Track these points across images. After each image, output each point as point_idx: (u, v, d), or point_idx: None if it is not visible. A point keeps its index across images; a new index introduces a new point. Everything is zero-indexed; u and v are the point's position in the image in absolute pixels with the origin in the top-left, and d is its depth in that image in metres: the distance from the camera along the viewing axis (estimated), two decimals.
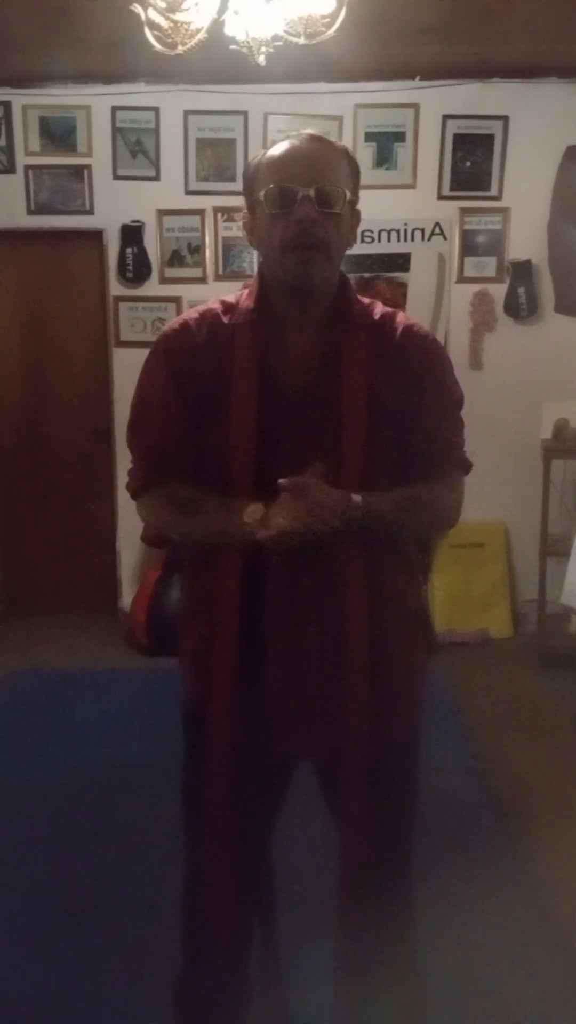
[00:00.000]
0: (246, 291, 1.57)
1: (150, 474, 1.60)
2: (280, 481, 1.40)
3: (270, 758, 1.60)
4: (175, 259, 4.58)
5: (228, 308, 1.56)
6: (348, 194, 1.47)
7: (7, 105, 4.45)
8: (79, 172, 4.50)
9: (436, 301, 4.59)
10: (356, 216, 1.54)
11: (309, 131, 1.52)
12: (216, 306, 1.57)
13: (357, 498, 1.44)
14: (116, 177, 4.51)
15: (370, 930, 1.68)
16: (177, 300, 4.57)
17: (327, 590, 1.51)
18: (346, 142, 4.37)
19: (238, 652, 1.52)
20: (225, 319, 1.54)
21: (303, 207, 1.42)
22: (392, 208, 4.49)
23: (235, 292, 1.61)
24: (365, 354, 1.52)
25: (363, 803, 1.57)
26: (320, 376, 1.50)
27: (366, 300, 1.60)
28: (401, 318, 1.59)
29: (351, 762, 1.55)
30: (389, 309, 1.60)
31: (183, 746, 1.66)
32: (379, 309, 1.59)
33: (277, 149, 1.48)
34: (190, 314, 1.59)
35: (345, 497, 1.43)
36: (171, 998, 1.74)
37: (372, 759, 1.54)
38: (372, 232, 4.51)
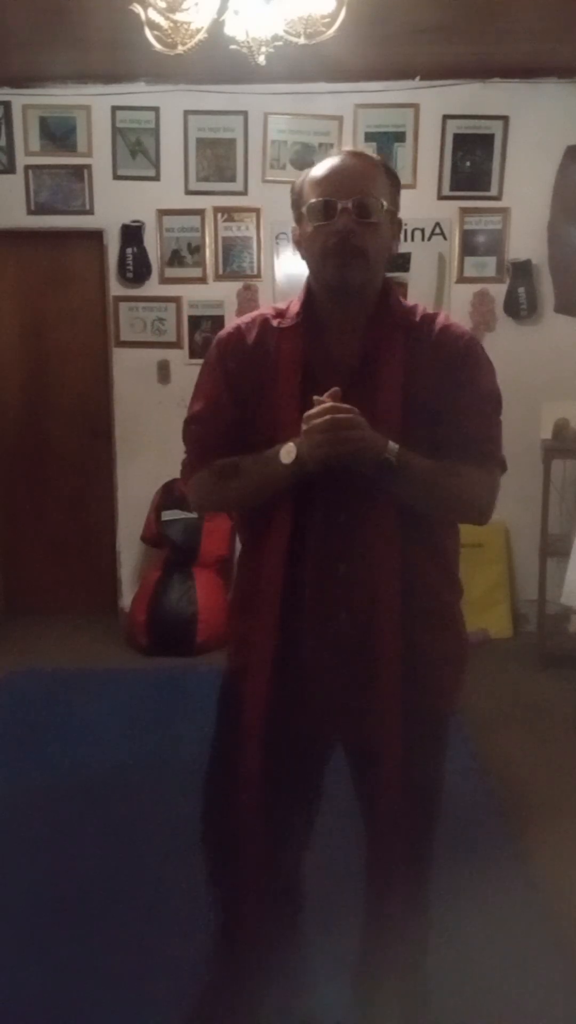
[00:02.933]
0: (295, 299, 1.70)
1: (199, 459, 1.72)
2: (315, 397, 1.50)
3: (306, 737, 1.69)
4: (175, 259, 4.58)
5: (278, 313, 1.70)
6: (385, 204, 1.59)
7: (7, 105, 4.45)
8: (79, 172, 4.51)
9: (436, 301, 4.58)
10: (397, 224, 1.67)
11: (349, 148, 1.68)
12: (268, 311, 1.72)
13: (393, 444, 1.52)
14: (116, 177, 4.51)
15: (395, 918, 1.76)
16: (177, 300, 4.57)
17: (364, 579, 1.59)
18: (346, 142, 4.41)
19: (279, 632, 1.61)
20: (275, 323, 1.67)
21: (342, 218, 1.54)
22: None
23: (288, 300, 1.73)
24: (402, 353, 1.61)
25: (393, 789, 1.63)
26: (360, 374, 1.59)
27: (410, 304, 1.71)
28: (442, 318, 1.68)
29: (381, 745, 1.61)
30: (432, 311, 1.69)
31: (216, 725, 1.76)
32: (421, 311, 1.69)
33: (320, 167, 1.61)
34: (243, 319, 1.74)
35: (381, 438, 1.51)
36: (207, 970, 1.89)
37: (402, 744, 1.60)
38: None
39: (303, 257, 1.66)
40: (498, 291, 4.56)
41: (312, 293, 1.66)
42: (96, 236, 4.57)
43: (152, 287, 4.59)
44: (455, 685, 1.74)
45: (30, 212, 4.54)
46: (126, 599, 4.76)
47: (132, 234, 4.52)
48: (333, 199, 1.55)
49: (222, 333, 1.73)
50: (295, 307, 1.68)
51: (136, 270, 4.54)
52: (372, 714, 1.60)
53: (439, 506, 1.67)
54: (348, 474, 1.53)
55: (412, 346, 1.62)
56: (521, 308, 4.53)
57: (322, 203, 1.56)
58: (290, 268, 4.45)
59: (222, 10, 2.60)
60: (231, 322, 1.78)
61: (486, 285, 4.57)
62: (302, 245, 1.65)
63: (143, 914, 2.41)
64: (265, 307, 1.76)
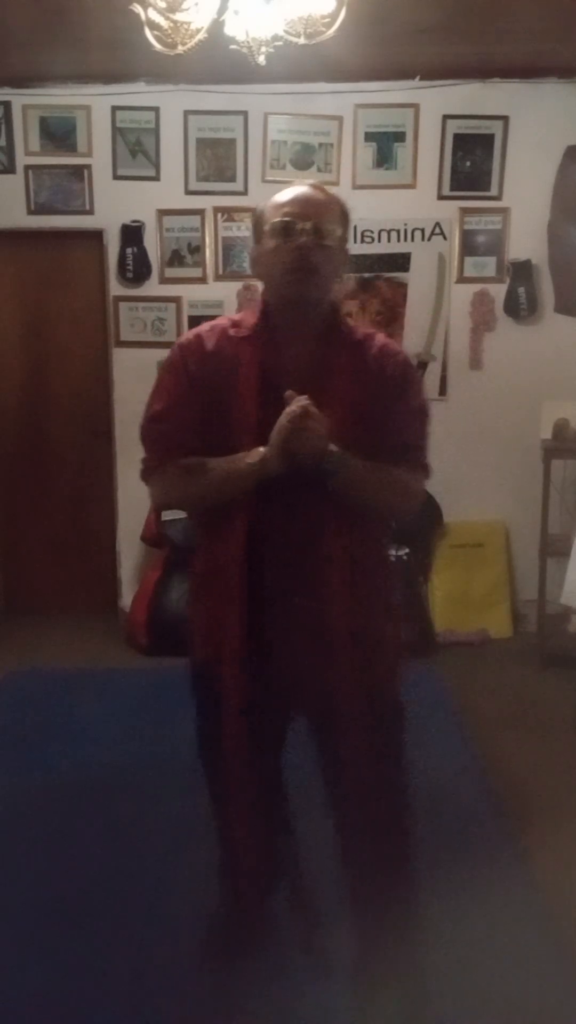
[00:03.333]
0: (250, 311, 1.88)
1: (161, 456, 1.86)
2: (288, 392, 1.68)
3: (271, 708, 1.88)
4: (175, 259, 4.58)
5: (235, 323, 1.87)
6: (339, 231, 1.78)
7: (7, 105, 4.45)
8: (79, 172, 4.50)
9: (436, 301, 4.59)
10: (345, 254, 1.85)
11: (310, 181, 1.85)
12: (225, 322, 1.88)
13: (334, 447, 1.72)
14: (116, 177, 4.51)
15: (374, 882, 1.94)
16: (177, 300, 4.57)
17: (314, 564, 1.78)
18: (346, 142, 4.42)
19: (240, 616, 1.78)
20: (232, 332, 1.83)
21: (301, 237, 1.72)
22: (392, 208, 4.49)
23: (242, 312, 1.94)
24: (349, 366, 1.81)
25: (351, 755, 1.83)
26: (310, 382, 1.74)
27: (354, 323, 1.94)
28: (380, 338, 1.89)
29: (339, 713, 1.80)
30: (371, 330, 1.92)
31: (195, 702, 1.97)
32: (362, 330, 1.90)
33: (283, 193, 1.79)
34: (203, 327, 1.88)
35: (326, 440, 1.71)
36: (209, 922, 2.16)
37: (359, 705, 1.80)
38: (372, 232, 4.51)
39: (259, 274, 1.85)
40: (498, 291, 4.56)
41: (268, 306, 1.83)
42: (96, 236, 4.57)
43: (152, 287, 4.59)
44: (398, 657, 1.95)
45: (30, 212, 4.54)
46: (126, 599, 4.76)
47: (132, 234, 4.52)
48: (294, 220, 1.73)
49: (182, 339, 1.89)
50: (251, 319, 1.84)
51: (136, 270, 4.54)
52: (329, 684, 1.79)
53: (375, 503, 1.87)
54: (302, 476, 1.71)
55: (356, 362, 1.82)
56: (521, 308, 4.53)
57: (283, 224, 1.73)
58: None
59: (222, 10, 2.60)
60: (191, 330, 1.91)
61: (486, 285, 4.57)
62: (260, 263, 1.82)
63: (143, 914, 2.41)
64: (222, 318, 1.92)
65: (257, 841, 1.97)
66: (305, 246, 1.72)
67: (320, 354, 1.80)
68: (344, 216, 1.81)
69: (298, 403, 1.67)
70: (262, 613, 1.79)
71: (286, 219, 1.73)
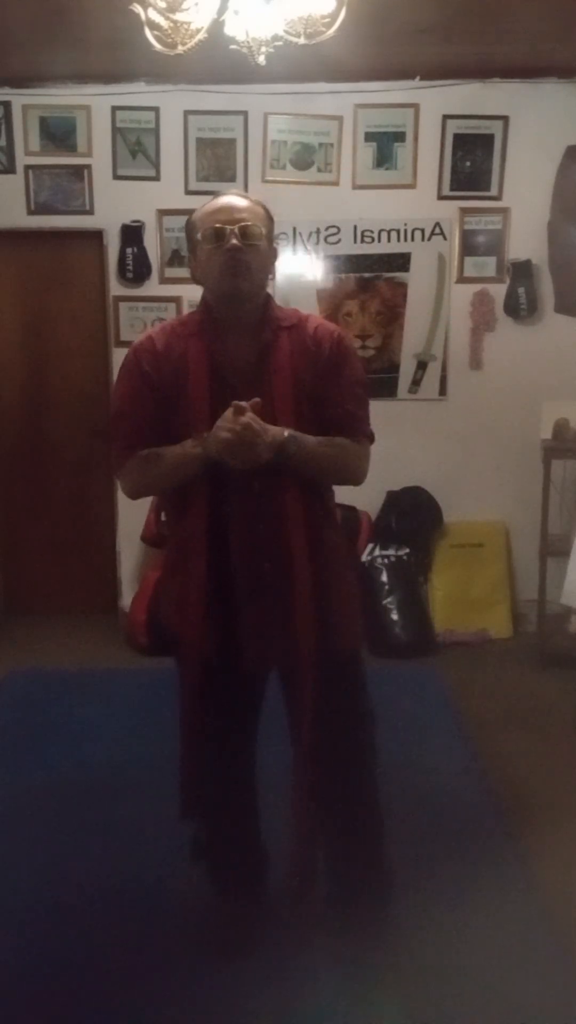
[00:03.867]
0: (194, 312, 2.10)
1: (126, 451, 2.04)
2: (235, 402, 1.85)
3: (243, 671, 2.05)
4: (175, 259, 4.58)
5: (182, 322, 2.12)
6: (264, 231, 1.99)
7: (7, 105, 4.45)
8: (79, 172, 4.50)
9: (436, 301, 4.59)
10: (273, 252, 2.08)
11: (233, 190, 2.10)
12: (173, 323, 2.14)
13: (288, 431, 1.91)
14: (116, 177, 4.51)
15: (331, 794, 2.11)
16: (177, 300, 4.57)
17: (276, 534, 1.97)
18: (346, 142, 4.42)
19: (209, 586, 1.97)
20: (179, 330, 2.05)
21: (231, 240, 1.94)
22: (392, 208, 4.49)
23: (187, 314, 2.14)
24: (287, 348, 2.00)
25: (313, 704, 1.99)
26: (254, 367, 1.98)
27: (287, 309, 2.12)
28: (314, 320, 2.10)
29: (305, 665, 1.98)
30: (305, 313, 2.12)
31: (177, 671, 2.07)
32: (297, 315, 2.10)
33: (211, 204, 2.02)
34: (153, 329, 2.12)
35: (278, 429, 1.90)
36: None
37: (321, 650, 1.98)
38: (372, 232, 4.51)
39: (199, 280, 2.05)
40: (498, 291, 4.56)
41: (209, 305, 2.04)
42: (96, 236, 4.57)
43: (152, 287, 4.59)
44: (355, 615, 2.18)
45: (30, 212, 4.54)
46: (126, 599, 4.76)
47: (132, 234, 4.52)
48: (223, 226, 1.95)
49: (135, 343, 2.08)
50: (196, 317, 2.07)
51: (136, 270, 4.54)
52: (294, 640, 1.96)
53: (326, 473, 2.06)
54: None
55: (294, 344, 2.01)
56: (521, 308, 4.53)
57: (215, 230, 1.95)
58: (289, 268, 4.45)
59: (222, 10, 2.60)
60: (142, 334, 2.12)
61: (486, 285, 4.57)
62: (198, 268, 2.03)
63: (143, 914, 2.41)
64: (169, 319, 2.25)
65: (225, 792, 2.18)
66: (235, 248, 1.93)
67: (260, 341, 2.00)
68: (268, 219, 2.03)
69: (231, 424, 1.84)
70: (228, 575, 1.98)
71: (216, 226, 1.96)
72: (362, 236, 4.51)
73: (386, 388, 4.57)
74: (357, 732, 2.15)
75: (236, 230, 1.94)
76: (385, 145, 4.46)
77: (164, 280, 4.59)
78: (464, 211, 4.51)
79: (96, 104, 4.44)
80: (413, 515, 4.56)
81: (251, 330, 2.01)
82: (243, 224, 1.95)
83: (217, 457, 1.88)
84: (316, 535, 2.01)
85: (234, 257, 1.93)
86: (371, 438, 2.12)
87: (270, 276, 2.11)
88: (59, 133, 4.48)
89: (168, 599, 2.11)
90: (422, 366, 4.63)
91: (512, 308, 4.54)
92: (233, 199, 2.02)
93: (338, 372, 2.03)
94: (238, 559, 1.98)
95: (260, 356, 1.99)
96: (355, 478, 2.12)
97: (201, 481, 1.95)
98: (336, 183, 4.46)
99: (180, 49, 2.60)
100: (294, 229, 4.45)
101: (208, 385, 1.96)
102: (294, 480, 1.97)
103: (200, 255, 2.01)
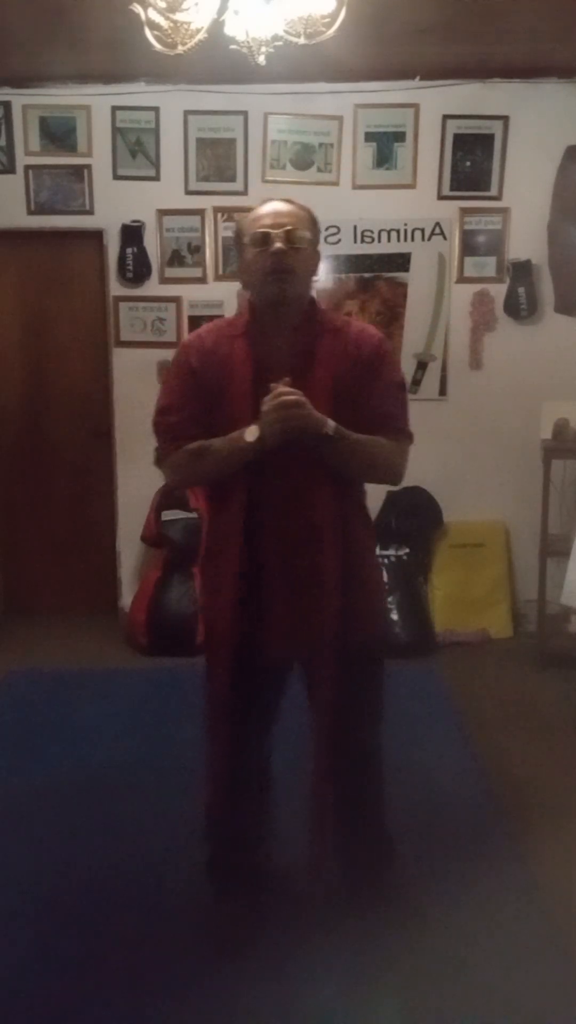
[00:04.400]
0: (243, 313, 2.16)
1: (170, 444, 2.11)
2: (272, 384, 1.93)
3: (269, 659, 2.11)
4: (175, 259, 4.58)
5: (230, 323, 2.20)
6: (309, 235, 2.06)
7: (7, 105, 4.45)
8: (79, 172, 4.51)
9: (436, 301, 4.59)
10: (317, 255, 2.13)
11: (282, 197, 2.11)
12: (222, 323, 2.23)
13: (332, 421, 1.97)
14: (116, 177, 4.51)
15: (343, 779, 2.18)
16: (177, 300, 4.57)
17: (308, 528, 2.03)
18: (346, 142, 4.42)
19: (240, 575, 2.03)
20: (227, 331, 2.13)
21: (276, 244, 2.00)
22: (392, 208, 4.49)
23: (236, 314, 2.24)
24: (329, 350, 2.06)
25: (333, 691, 2.05)
26: (297, 368, 2.01)
27: (330, 313, 2.21)
28: (356, 324, 2.20)
29: (327, 654, 2.03)
30: (347, 318, 2.25)
31: (205, 662, 2.15)
32: (340, 319, 2.22)
33: (259, 209, 2.07)
34: (203, 328, 2.19)
35: (323, 416, 1.96)
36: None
37: (342, 656, 2.03)
38: (372, 232, 4.51)
39: (245, 282, 2.12)
40: (498, 291, 4.56)
41: (255, 307, 2.10)
42: (96, 236, 4.57)
43: (152, 287, 4.59)
44: (381, 609, 2.36)
45: (30, 212, 4.54)
46: (126, 599, 4.76)
47: (132, 234, 4.52)
48: (269, 231, 2.01)
49: (186, 339, 2.19)
50: (243, 319, 2.13)
51: (136, 270, 4.54)
52: (320, 631, 2.01)
53: (365, 470, 2.14)
54: (296, 447, 1.95)
55: (336, 345, 2.07)
56: (521, 308, 4.53)
57: (261, 234, 2.01)
58: None
59: (222, 10, 2.60)
60: (194, 331, 2.20)
61: (486, 285, 4.57)
62: (244, 271, 2.10)
63: (143, 914, 2.41)
64: (219, 320, 2.27)
65: (246, 780, 2.21)
66: (280, 251, 1.99)
67: (303, 343, 2.06)
68: (313, 223, 2.09)
69: (275, 392, 1.91)
70: (262, 566, 2.05)
71: (262, 230, 2.01)
72: (362, 236, 4.51)
73: None
74: (373, 716, 2.26)
75: (281, 234, 2.00)
76: (385, 145, 4.46)
77: (164, 280, 4.59)
78: (464, 211, 4.52)
79: (96, 104, 4.44)
80: (413, 515, 4.57)
81: (295, 332, 2.07)
82: (288, 228, 2.01)
83: (270, 433, 1.93)
84: (347, 531, 2.07)
85: (279, 260, 1.99)
86: (410, 438, 2.17)
87: (315, 279, 2.17)
88: (59, 133, 4.48)
89: (204, 588, 2.23)
90: (422, 366, 4.63)
91: (512, 308, 4.54)
92: (279, 204, 2.07)
93: (377, 375, 2.09)
94: (270, 550, 2.05)
95: (302, 358, 2.04)
96: (394, 476, 2.18)
97: (242, 473, 2.02)
98: (336, 183, 4.46)
99: (180, 49, 2.60)
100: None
101: (251, 385, 2.02)
102: (329, 475, 2.03)
103: (247, 258, 2.07)
